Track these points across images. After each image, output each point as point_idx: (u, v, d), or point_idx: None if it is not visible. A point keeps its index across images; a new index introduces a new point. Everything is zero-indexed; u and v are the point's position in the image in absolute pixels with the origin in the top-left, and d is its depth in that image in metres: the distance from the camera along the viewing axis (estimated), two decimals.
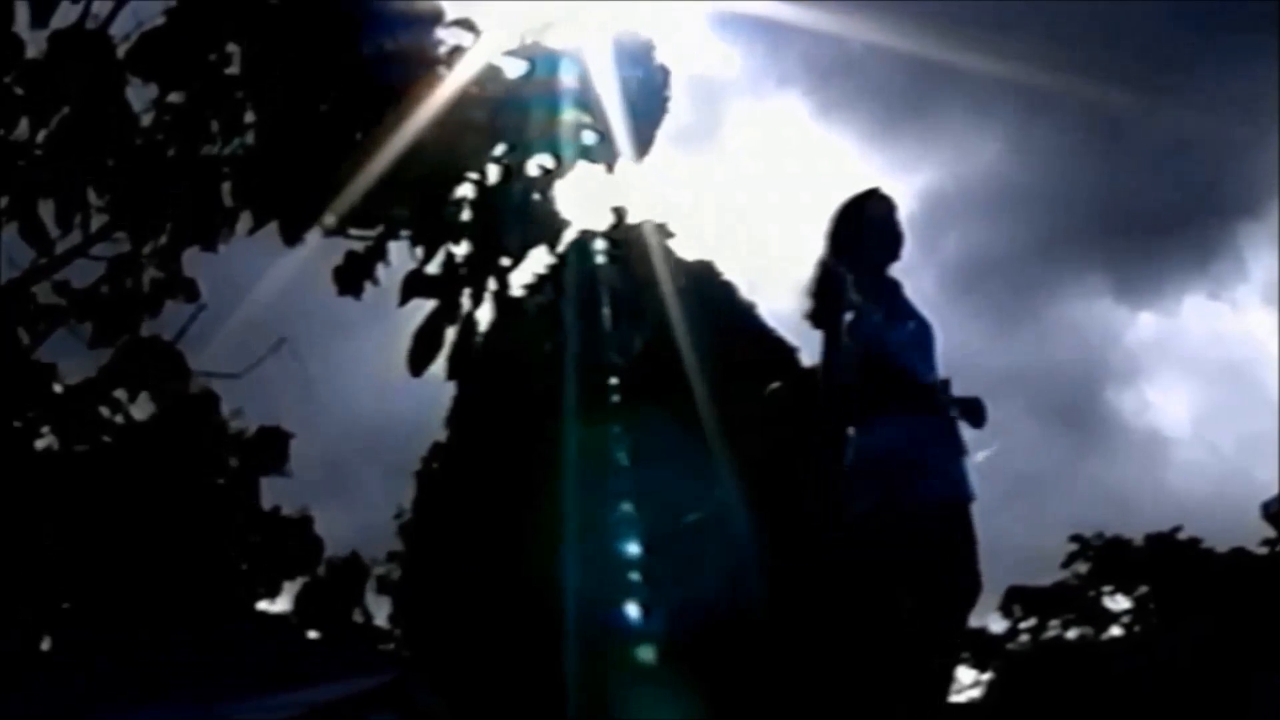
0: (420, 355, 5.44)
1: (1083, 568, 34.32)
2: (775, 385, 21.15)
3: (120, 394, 8.30)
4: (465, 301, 5.46)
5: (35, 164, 6.52)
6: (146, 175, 7.53)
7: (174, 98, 7.15)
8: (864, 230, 5.79)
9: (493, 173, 5.50)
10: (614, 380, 20.13)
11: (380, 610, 34.93)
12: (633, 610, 19.95)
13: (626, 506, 20.22)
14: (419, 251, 5.63)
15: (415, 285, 5.50)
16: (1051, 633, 34.56)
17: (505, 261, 5.32)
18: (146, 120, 7.18)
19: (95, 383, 8.23)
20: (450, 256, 5.56)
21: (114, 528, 6.34)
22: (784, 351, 23.32)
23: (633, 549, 20.24)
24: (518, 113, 5.57)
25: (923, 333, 5.82)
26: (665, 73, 4.76)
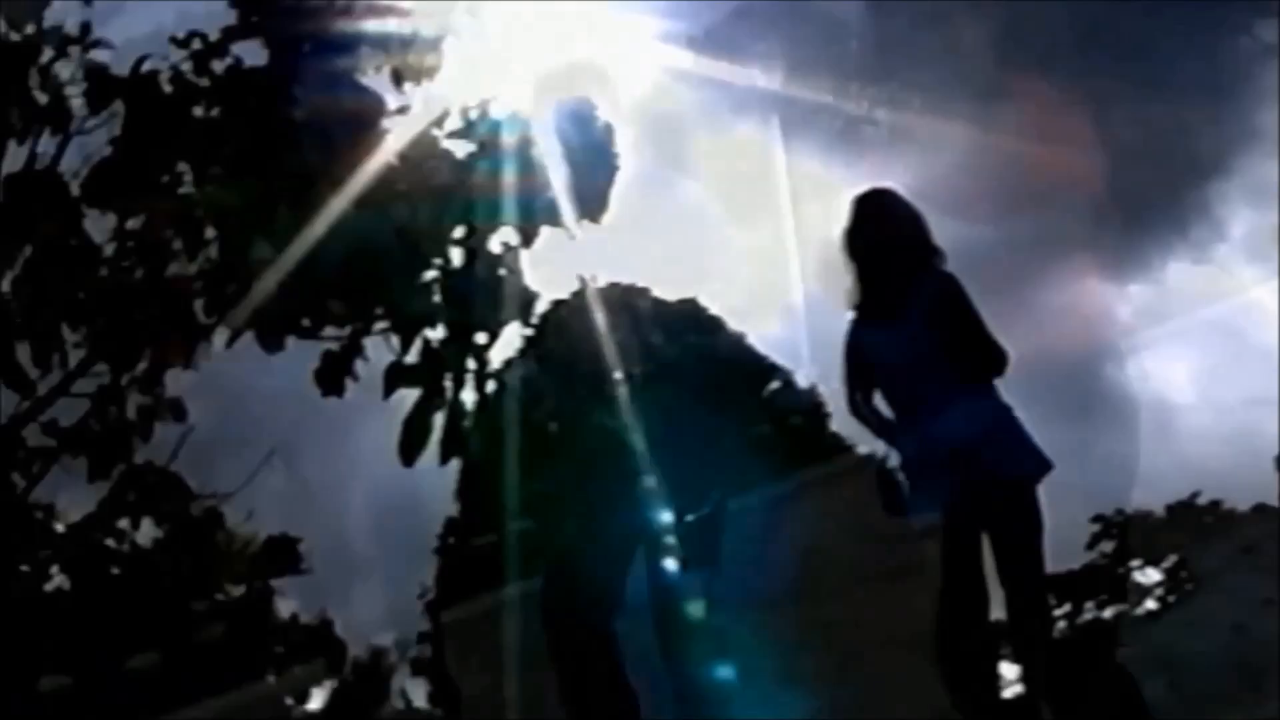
0: (411, 444, 5.43)
1: (1108, 547, 34.30)
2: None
3: (123, 524, 8.30)
4: (448, 385, 5.45)
5: (5, 309, 6.52)
6: (117, 304, 7.54)
7: (133, 224, 7.16)
8: (854, 243, 5.56)
9: (456, 255, 5.51)
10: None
11: (418, 693, 34.83)
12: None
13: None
14: (396, 342, 5.64)
15: (397, 376, 5.50)
16: (1087, 615, 34.56)
17: (481, 340, 5.32)
18: (109, 250, 7.20)
19: (97, 517, 8.23)
20: (427, 343, 5.56)
21: (130, 657, 6.32)
22: (779, 372, 23.38)
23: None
24: (469, 185, 5.60)
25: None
26: (610, 130, 4.75)
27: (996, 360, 4.96)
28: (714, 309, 4.69)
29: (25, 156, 6.60)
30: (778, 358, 15.31)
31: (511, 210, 5.08)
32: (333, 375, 5.84)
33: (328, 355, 5.86)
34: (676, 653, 4.74)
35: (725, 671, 4.79)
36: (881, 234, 5.22)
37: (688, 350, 4.64)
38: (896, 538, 8.00)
